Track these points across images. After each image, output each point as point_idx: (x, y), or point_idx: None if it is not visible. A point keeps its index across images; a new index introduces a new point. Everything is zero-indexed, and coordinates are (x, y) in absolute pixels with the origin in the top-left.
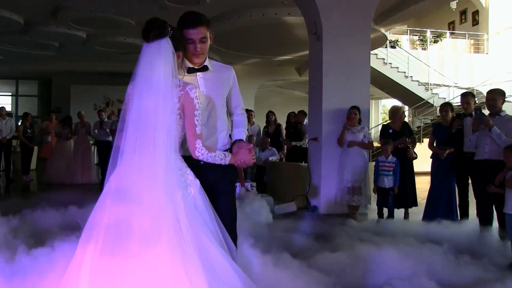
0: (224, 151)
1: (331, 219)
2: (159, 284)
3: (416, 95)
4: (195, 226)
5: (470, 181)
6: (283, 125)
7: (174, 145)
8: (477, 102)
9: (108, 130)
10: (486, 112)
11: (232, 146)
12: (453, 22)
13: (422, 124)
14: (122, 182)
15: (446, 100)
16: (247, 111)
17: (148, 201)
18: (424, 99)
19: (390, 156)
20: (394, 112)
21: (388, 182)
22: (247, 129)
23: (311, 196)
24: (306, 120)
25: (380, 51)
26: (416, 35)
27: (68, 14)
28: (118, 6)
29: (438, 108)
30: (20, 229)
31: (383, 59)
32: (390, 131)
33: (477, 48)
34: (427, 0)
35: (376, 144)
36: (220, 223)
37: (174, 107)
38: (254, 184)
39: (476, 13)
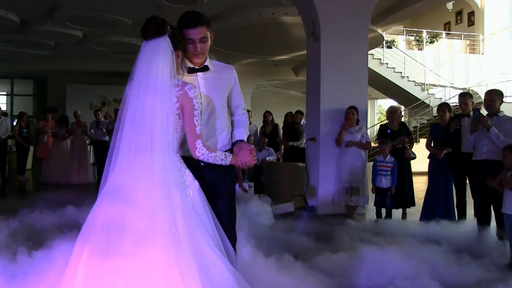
0: (225, 151)
1: (329, 219)
2: (152, 285)
3: (412, 95)
4: (192, 228)
5: (467, 181)
6: (280, 125)
7: (172, 145)
8: (473, 102)
9: (104, 130)
10: (484, 112)
11: (233, 147)
12: (448, 23)
13: (418, 124)
14: (118, 182)
15: (442, 101)
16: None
17: (143, 201)
18: (420, 99)
19: (388, 156)
20: (392, 112)
21: (386, 182)
22: None
23: (308, 196)
24: (303, 120)
25: (377, 51)
26: (412, 36)
27: (65, 13)
28: (115, 5)
29: (434, 108)
30: (18, 230)
31: (380, 59)
32: (388, 131)
33: (473, 49)
34: (424, 0)
35: (373, 144)
36: (218, 225)
37: (172, 107)
38: (252, 184)
39: (471, 14)
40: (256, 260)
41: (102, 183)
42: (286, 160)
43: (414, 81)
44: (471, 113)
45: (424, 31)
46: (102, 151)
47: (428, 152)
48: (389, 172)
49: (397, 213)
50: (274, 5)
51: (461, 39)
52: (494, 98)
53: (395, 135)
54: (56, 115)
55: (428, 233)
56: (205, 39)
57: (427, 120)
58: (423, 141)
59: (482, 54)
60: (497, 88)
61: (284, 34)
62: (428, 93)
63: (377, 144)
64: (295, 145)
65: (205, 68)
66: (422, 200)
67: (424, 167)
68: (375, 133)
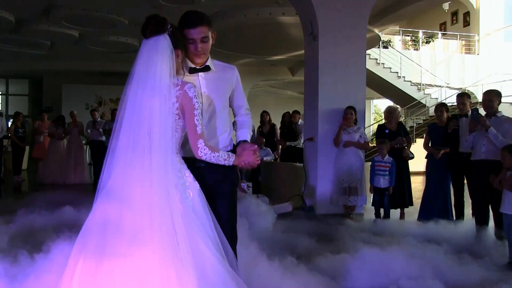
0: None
1: (328, 220)
2: (148, 285)
3: (409, 95)
4: (191, 230)
5: (465, 181)
6: (278, 125)
7: (172, 146)
8: (471, 102)
9: (101, 130)
10: (482, 112)
11: (236, 147)
12: (444, 23)
13: (415, 124)
14: (115, 182)
15: (438, 101)
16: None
17: (140, 202)
18: (417, 99)
19: (386, 156)
20: (391, 112)
21: (384, 182)
22: None
23: (306, 196)
24: (300, 120)
25: (373, 51)
26: (408, 36)
27: (61, 12)
28: (112, 5)
29: (430, 108)
30: (17, 230)
31: (376, 59)
32: (387, 131)
33: (468, 49)
34: (421, 1)
35: (370, 144)
36: (218, 227)
37: (171, 106)
38: (250, 184)
39: (467, 14)
40: (258, 262)
41: (100, 183)
42: (283, 160)
43: (410, 81)
44: (469, 113)
45: (420, 31)
46: (99, 151)
47: (424, 152)
48: (387, 172)
49: (395, 213)
50: (272, 5)
51: (456, 39)
52: (493, 98)
53: (393, 135)
54: (52, 115)
55: (427, 233)
56: (206, 39)
57: (423, 120)
58: (419, 141)
59: (478, 54)
60: (495, 88)
61: (281, 34)
62: (424, 93)
63: (374, 144)
64: (293, 145)
65: (206, 68)
66: (420, 200)
67: (421, 167)
68: (371, 133)
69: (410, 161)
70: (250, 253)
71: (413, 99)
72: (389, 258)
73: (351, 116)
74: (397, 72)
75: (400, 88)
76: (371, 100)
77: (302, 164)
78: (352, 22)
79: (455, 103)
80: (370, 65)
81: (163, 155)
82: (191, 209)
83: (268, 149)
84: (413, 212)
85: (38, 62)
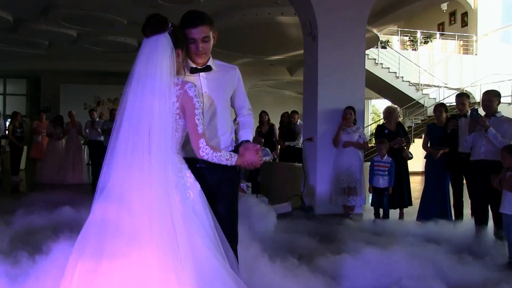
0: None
1: (327, 220)
2: (147, 286)
3: (407, 95)
4: (191, 231)
5: (464, 181)
6: (276, 125)
7: (172, 146)
8: (470, 102)
9: (99, 129)
10: (481, 112)
11: (239, 147)
12: (442, 23)
13: (413, 124)
14: (114, 182)
15: (436, 101)
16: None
17: (139, 202)
18: (415, 100)
19: (386, 156)
20: (390, 113)
21: (383, 182)
22: None
23: (305, 197)
24: (299, 120)
25: (371, 51)
26: (406, 36)
27: (59, 12)
28: (110, 5)
29: (428, 109)
30: (17, 231)
31: (374, 59)
32: (386, 131)
33: (466, 49)
34: (420, 1)
35: (369, 144)
36: (219, 228)
37: (171, 106)
38: (250, 184)
39: (465, 14)
40: (259, 263)
41: (99, 184)
42: (282, 160)
43: (408, 81)
44: (468, 113)
45: (418, 31)
46: (97, 151)
47: (422, 152)
48: (386, 172)
49: (394, 213)
50: (270, 5)
51: (454, 39)
52: (492, 98)
53: (393, 135)
54: (50, 115)
55: (427, 233)
56: (207, 39)
57: (422, 120)
58: (417, 141)
59: (476, 54)
60: (494, 89)
61: (280, 34)
62: (422, 93)
63: (372, 144)
64: (292, 145)
65: (207, 68)
66: (418, 200)
67: (419, 167)
68: (369, 133)
69: (408, 161)
70: (251, 253)
71: (411, 99)
72: (390, 258)
73: (350, 116)
74: (395, 72)
75: (398, 88)
76: (369, 100)
77: (301, 164)
78: (351, 22)
79: (454, 103)
80: (368, 65)
81: (162, 155)
82: (192, 209)
83: (267, 149)
84: (412, 212)
85: (36, 62)
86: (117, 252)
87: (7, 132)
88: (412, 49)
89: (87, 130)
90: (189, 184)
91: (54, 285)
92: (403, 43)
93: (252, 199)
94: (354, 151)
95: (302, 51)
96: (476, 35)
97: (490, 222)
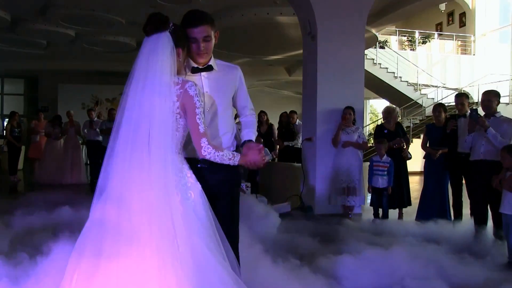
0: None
1: (326, 220)
2: (145, 286)
3: (405, 95)
4: (192, 232)
5: (463, 181)
6: (275, 125)
7: (172, 145)
8: (470, 103)
9: (98, 129)
10: (481, 112)
11: (242, 147)
12: (440, 24)
13: (411, 125)
14: (113, 183)
15: (435, 101)
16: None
17: (138, 203)
18: (413, 100)
19: (385, 156)
20: (389, 112)
21: (382, 182)
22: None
23: (305, 197)
24: (298, 120)
25: (370, 52)
26: (404, 36)
27: (57, 11)
28: (109, 4)
29: (427, 109)
30: (15, 231)
31: (373, 59)
32: (385, 131)
33: (464, 50)
34: (418, 1)
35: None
36: (220, 229)
37: (172, 105)
38: (249, 184)
39: (463, 15)
40: (261, 264)
41: (98, 184)
42: (281, 160)
43: (407, 82)
44: (468, 113)
45: (417, 31)
46: (95, 151)
47: (420, 152)
48: (385, 172)
49: (393, 213)
50: (269, 5)
51: (453, 39)
52: (491, 98)
53: (392, 135)
54: (47, 115)
55: (427, 233)
56: (209, 38)
57: (420, 120)
58: (415, 141)
59: (474, 55)
60: (494, 89)
61: (279, 34)
62: (420, 93)
63: (371, 144)
64: (290, 145)
65: (209, 68)
66: (417, 200)
67: (417, 167)
68: (367, 133)
69: (407, 161)
70: (252, 254)
71: (410, 99)
72: (392, 258)
73: (349, 116)
74: (393, 72)
75: (396, 88)
76: (367, 100)
77: (300, 164)
78: (350, 22)
79: (452, 103)
80: (367, 65)
81: (162, 155)
82: (192, 210)
83: (266, 149)
84: (411, 212)
85: (34, 62)
86: (116, 253)
87: (5, 132)
88: (410, 49)
89: (85, 130)
90: (190, 184)
91: (54, 286)
92: (401, 43)
93: (252, 199)
94: (353, 151)
95: (301, 51)
96: (474, 35)
97: (489, 222)
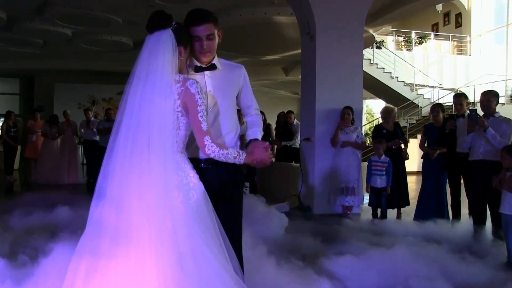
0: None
1: (326, 220)
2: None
3: (402, 95)
4: (193, 232)
5: (462, 181)
6: (273, 125)
7: (173, 144)
8: (468, 103)
9: (95, 129)
10: (479, 112)
11: (248, 146)
12: (436, 24)
13: (408, 125)
14: (113, 183)
15: (431, 101)
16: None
17: (138, 203)
18: (410, 100)
19: (383, 156)
20: (388, 112)
21: (381, 182)
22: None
23: (303, 197)
24: (296, 120)
25: (366, 52)
26: (401, 36)
27: (54, 10)
28: (106, 3)
29: (423, 109)
30: (15, 232)
31: (369, 59)
32: (384, 131)
33: (460, 50)
34: (416, 2)
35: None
36: (222, 230)
37: (173, 104)
38: (248, 184)
39: (459, 15)
40: (264, 266)
41: (97, 184)
42: (279, 160)
43: (403, 82)
44: (466, 113)
45: (413, 32)
46: (92, 150)
47: (417, 152)
48: (384, 172)
49: (391, 212)
50: (267, 5)
51: (449, 40)
52: (490, 98)
53: (390, 135)
54: (43, 115)
55: (427, 233)
56: (212, 36)
57: (416, 120)
58: (412, 141)
59: (469, 55)
60: (493, 89)
61: (276, 34)
62: (417, 94)
63: (368, 144)
64: (288, 145)
65: (212, 67)
66: (414, 200)
67: (414, 167)
68: (364, 133)
69: (405, 161)
70: (255, 255)
71: (406, 99)
72: (394, 258)
73: (348, 116)
74: (390, 73)
75: (393, 88)
76: (364, 100)
77: (298, 164)
78: (349, 23)
79: (448, 103)
80: (363, 66)
81: (162, 154)
82: (194, 210)
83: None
84: (409, 211)
85: (30, 61)
86: (115, 254)
87: (0, 131)
88: (407, 50)
89: (82, 130)
90: (192, 184)
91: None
92: (397, 43)
93: (255, 199)
94: (352, 151)
95: (298, 51)
96: (470, 36)
97: (488, 222)
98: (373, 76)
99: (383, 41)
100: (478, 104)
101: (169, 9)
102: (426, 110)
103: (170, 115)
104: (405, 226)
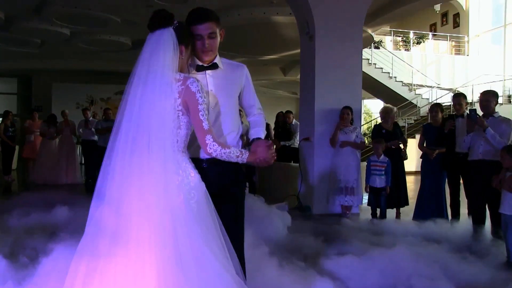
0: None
1: (325, 219)
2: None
3: (400, 95)
4: (194, 232)
5: (461, 180)
6: (271, 125)
7: (174, 144)
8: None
9: (93, 129)
10: (479, 112)
11: (250, 145)
12: (434, 24)
13: (406, 125)
14: (113, 183)
15: (429, 101)
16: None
17: (138, 203)
18: (408, 100)
19: (382, 155)
20: (387, 112)
21: (380, 181)
22: None
23: (302, 196)
24: (294, 120)
25: (365, 52)
26: (399, 36)
27: (53, 10)
28: (104, 3)
29: (421, 109)
30: (15, 232)
31: (368, 59)
32: (383, 131)
33: (458, 50)
34: (415, 2)
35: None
36: (224, 231)
37: (173, 102)
38: (247, 184)
39: (457, 15)
40: (266, 267)
41: (97, 183)
42: (278, 160)
43: (401, 82)
44: (465, 113)
45: (411, 32)
46: (91, 150)
47: (415, 152)
48: (383, 172)
49: (390, 212)
50: (266, 5)
51: (447, 40)
52: (490, 98)
53: (390, 135)
54: (41, 114)
55: (427, 233)
56: (214, 35)
57: (415, 120)
58: (410, 141)
59: (467, 55)
60: (491, 89)
61: (275, 33)
62: (415, 94)
63: (368, 143)
64: (287, 144)
65: (214, 66)
66: (413, 200)
67: (412, 167)
68: (362, 133)
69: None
70: (257, 256)
71: (404, 99)
72: (396, 258)
73: (347, 116)
74: (388, 73)
75: (391, 88)
76: (362, 100)
77: (297, 164)
78: (348, 23)
79: (446, 103)
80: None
81: (162, 153)
82: (195, 210)
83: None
84: (408, 211)
85: (28, 61)
86: (115, 255)
87: None
88: (405, 50)
89: (80, 130)
90: (193, 184)
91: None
92: (396, 43)
93: (254, 199)
94: (351, 151)
95: (296, 51)
96: (467, 36)
97: (487, 221)
98: (371, 76)
99: (381, 41)
100: (477, 104)
101: (167, 9)
102: (424, 110)
103: (171, 114)
104: (405, 226)
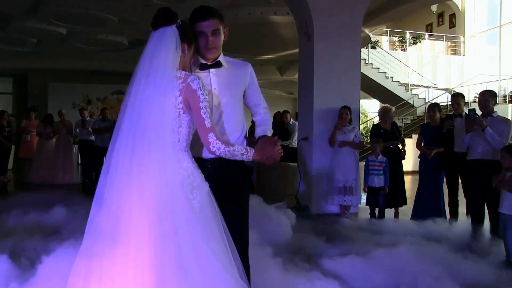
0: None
1: (324, 219)
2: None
3: (397, 95)
4: (196, 233)
5: (459, 180)
6: None
7: (175, 143)
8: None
9: (90, 129)
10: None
11: (256, 143)
12: (430, 24)
13: (403, 124)
14: (113, 183)
15: (426, 101)
16: None
17: (139, 204)
18: (405, 100)
19: (380, 155)
20: (386, 112)
21: (378, 181)
22: None
23: (301, 196)
24: (292, 120)
25: (362, 52)
26: (395, 36)
27: (49, 9)
28: (101, 2)
29: (418, 109)
30: (15, 232)
31: (365, 59)
32: (382, 131)
33: (454, 50)
34: (412, 2)
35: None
36: (227, 232)
37: (174, 100)
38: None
39: (453, 16)
40: (270, 267)
41: (98, 184)
42: None
43: (398, 82)
44: (464, 113)
45: (407, 32)
46: (88, 150)
47: (412, 152)
48: (381, 172)
49: (388, 212)
50: (263, 4)
51: (443, 40)
52: (488, 98)
53: (388, 135)
54: (37, 114)
55: (426, 232)
56: (217, 32)
57: (411, 120)
58: (407, 141)
59: (463, 55)
60: (490, 89)
61: (272, 33)
62: (411, 94)
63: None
64: (285, 144)
65: (217, 64)
66: (411, 199)
67: (409, 167)
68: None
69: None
70: (259, 257)
71: (401, 99)
72: (399, 257)
73: (346, 116)
74: (385, 73)
75: (388, 88)
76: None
77: (295, 164)
78: (347, 23)
79: (443, 103)
80: None
81: (163, 152)
82: (197, 211)
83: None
84: (406, 211)
85: (23, 60)
86: (115, 256)
87: None
88: (401, 50)
89: (77, 130)
90: (195, 184)
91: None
92: (392, 43)
93: (254, 198)
94: (350, 151)
95: (293, 51)
96: (463, 36)
97: (485, 220)
98: (368, 76)
99: (378, 41)
100: (474, 104)
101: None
102: (420, 110)
103: (171, 112)
104: (404, 225)
